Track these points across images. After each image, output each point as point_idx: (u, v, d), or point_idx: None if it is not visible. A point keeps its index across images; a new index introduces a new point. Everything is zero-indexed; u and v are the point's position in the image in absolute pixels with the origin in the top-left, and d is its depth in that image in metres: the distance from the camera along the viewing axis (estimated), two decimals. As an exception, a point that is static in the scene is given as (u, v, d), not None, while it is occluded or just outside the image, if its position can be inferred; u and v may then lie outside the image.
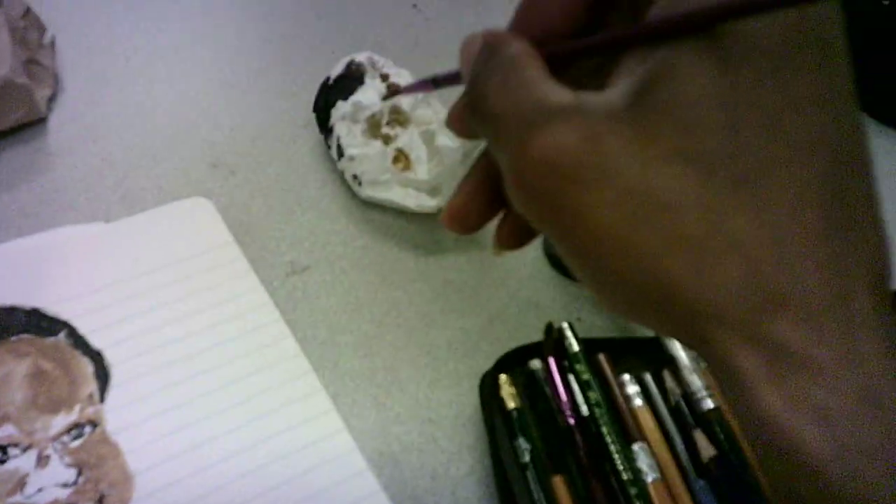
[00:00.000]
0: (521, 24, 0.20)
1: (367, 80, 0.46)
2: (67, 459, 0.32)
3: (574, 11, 0.19)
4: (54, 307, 0.36)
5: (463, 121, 0.21)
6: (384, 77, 0.46)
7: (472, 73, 0.19)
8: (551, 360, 0.38)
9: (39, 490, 0.31)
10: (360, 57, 0.47)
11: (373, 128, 0.44)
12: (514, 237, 0.23)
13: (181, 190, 0.45)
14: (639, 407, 0.37)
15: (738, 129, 0.15)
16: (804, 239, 0.16)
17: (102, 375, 0.35)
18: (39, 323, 0.36)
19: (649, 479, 0.34)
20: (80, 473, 0.31)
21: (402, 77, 0.47)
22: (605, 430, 0.35)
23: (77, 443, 0.32)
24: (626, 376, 0.38)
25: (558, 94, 0.17)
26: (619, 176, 0.16)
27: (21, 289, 0.37)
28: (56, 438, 0.32)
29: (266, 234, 0.44)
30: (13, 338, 0.35)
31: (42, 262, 0.38)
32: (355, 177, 0.44)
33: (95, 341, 0.36)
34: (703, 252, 0.16)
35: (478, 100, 0.18)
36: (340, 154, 0.45)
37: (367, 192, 0.44)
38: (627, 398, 0.38)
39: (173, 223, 0.42)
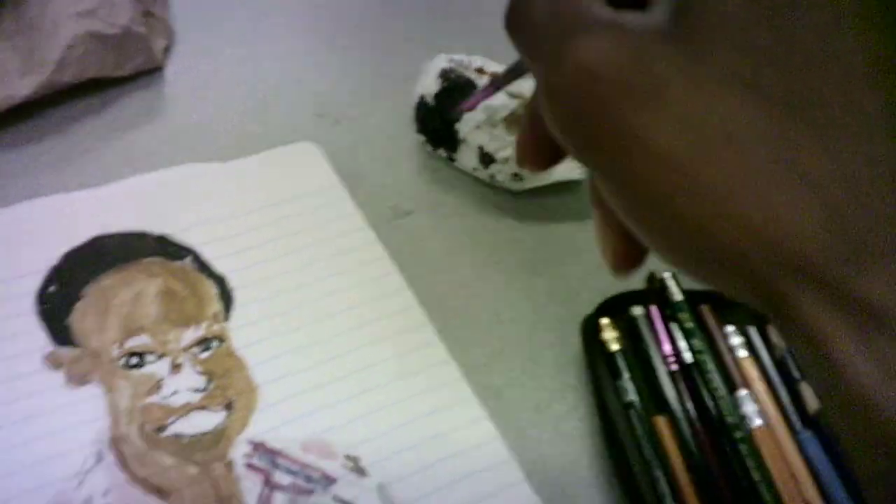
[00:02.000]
0: None
1: (478, 83, 0.43)
2: (198, 368, 0.34)
3: None
4: (180, 235, 0.39)
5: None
6: (479, 71, 0.44)
7: None
8: (654, 308, 0.39)
9: (174, 393, 0.33)
10: (440, 62, 0.44)
11: (512, 125, 0.42)
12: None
13: (289, 137, 0.47)
14: (743, 358, 0.37)
15: (789, 48, 0.13)
16: (877, 176, 0.13)
17: (226, 297, 0.37)
18: (167, 248, 0.38)
19: (754, 424, 0.34)
20: (209, 381, 0.33)
21: (492, 66, 0.44)
22: (710, 375, 0.35)
23: (206, 354, 0.34)
24: (730, 328, 0.38)
25: (599, 8, 0.16)
26: (675, 98, 0.14)
27: (149, 218, 0.39)
28: (187, 349, 0.34)
29: (369, 180, 0.45)
30: (145, 260, 0.37)
31: (167, 195, 0.41)
32: (516, 175, 0.43)
33: (218, 267, 0.38)
34: (778, 192, 0.14)
35: (516, 7, 0.17)
36: (489, 161, 0.43)
37: (529, 184, 0.43)
38: (731, 349, 0.38)
39: (284, 165, 0.44)
